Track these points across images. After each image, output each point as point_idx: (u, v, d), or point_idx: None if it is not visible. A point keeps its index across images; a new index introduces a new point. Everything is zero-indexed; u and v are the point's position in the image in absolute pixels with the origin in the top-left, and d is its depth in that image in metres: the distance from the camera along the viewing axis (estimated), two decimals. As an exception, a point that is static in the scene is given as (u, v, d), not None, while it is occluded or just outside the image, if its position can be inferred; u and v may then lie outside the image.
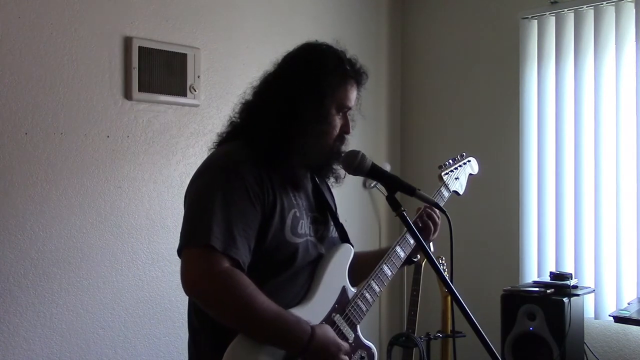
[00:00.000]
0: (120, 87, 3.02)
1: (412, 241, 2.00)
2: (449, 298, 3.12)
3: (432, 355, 3.16)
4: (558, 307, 3.24)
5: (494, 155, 3.94)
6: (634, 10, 3.50)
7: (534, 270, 3.79)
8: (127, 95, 3.03)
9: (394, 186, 1.74)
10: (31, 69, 2.76)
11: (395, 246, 1.98)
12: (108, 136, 2.99)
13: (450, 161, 2.28)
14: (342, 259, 1.91)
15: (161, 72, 3.14)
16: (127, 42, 3.03)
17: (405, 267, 3.93)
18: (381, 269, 1.93)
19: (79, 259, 2.89)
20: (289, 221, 1.79)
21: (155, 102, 3.13)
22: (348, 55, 1.89)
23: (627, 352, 3.52)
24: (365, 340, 1.91)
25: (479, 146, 3.95)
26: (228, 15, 3.45)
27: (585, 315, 3.49)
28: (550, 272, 3.50)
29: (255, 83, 1.91)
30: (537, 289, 3.39)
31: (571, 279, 3.39)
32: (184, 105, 3.24)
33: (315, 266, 1.86)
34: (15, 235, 2.71)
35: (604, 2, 3.57)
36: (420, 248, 1.73)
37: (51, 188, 2.82)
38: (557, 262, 3.71)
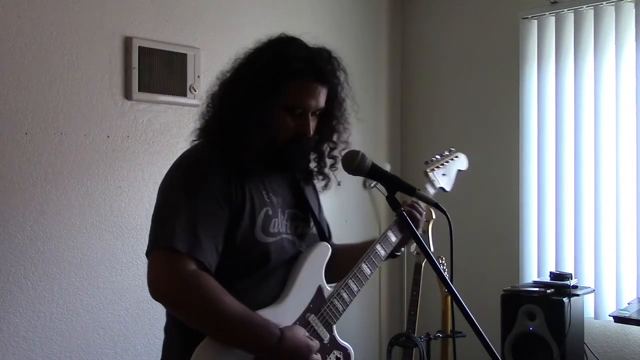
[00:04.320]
0: (120, 87, 3.02)
1: (393, 239, 1.95)
2: (449, 298, 3.12)
3: (432, 355, 3.16)
4: (558, 307, 3.24)
5: (494, 155, 3.94)
6: (634, 10, 3.50)
7: (534, 270, 3.79)
8: (127, 95, 3.03)
9: (394, 186, 1.73)
10: (31, 69, 2.76)
11: (375, 244, 1.92)
12: (108, 136, 2.99)
13: (437, 157, 2.20)
14: (318, 258, 1.86)
15: (161, 72, 3.13)
16: (127, 42, 3.03)
17: (406, 268, 3.96)
18: (360, 268, 1.87)
19: (79, 259, 2.89)
20: (259, 220, 1.75)
21: (155, 102, 3.13)
22: (313, 52, 1.78)
23: (627, 352, 3.52)
24: (342, 341, 1.86)
25: (479, 146, 3.95)
26: (228, 16, 3.45)
27: (585, 315, 3.49)
28: (550, 272, 3.50)
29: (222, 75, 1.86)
30: (537, 289, 3.38)
31: (571, 279, 3.39)
32: (184, 105, 3.24)
33: (291, 265, 1.82)
34: (15, 235, 2.71)
35: (604, 2, 3.57)
36: (420, 248, 1.71)
37: (51, 188, 2.82)
38: (557, 262, 3.71)
